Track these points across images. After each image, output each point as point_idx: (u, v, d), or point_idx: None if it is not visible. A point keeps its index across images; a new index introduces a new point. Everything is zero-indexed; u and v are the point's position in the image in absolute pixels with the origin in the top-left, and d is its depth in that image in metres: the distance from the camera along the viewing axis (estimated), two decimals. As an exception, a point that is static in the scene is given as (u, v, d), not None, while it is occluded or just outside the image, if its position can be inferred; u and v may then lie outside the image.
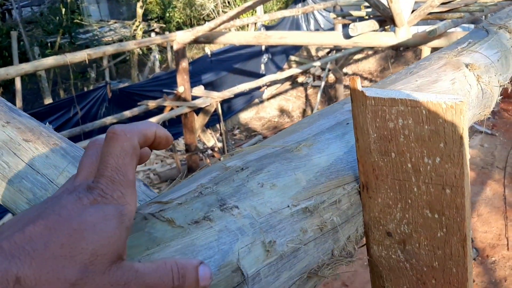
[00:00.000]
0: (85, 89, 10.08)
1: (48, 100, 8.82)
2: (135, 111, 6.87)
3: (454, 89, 0.89)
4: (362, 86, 0.53)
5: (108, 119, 6.49)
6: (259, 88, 9.94)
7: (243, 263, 0.43)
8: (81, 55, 5.41)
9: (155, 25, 13.07)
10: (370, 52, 11.02)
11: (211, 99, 6.83)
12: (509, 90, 1.19)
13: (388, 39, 5.00)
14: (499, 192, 6.40)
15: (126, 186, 0.36)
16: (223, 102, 7.98)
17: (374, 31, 5.11)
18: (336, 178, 0.58)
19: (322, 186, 0.55)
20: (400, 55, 11.05)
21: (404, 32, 4.80)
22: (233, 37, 6.17)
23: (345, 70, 10.70)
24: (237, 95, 8.63)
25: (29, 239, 0.30)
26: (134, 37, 11.46)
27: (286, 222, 0.49)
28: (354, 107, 0.54)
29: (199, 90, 7.08)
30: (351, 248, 0.56)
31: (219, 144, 7.85)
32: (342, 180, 0.58)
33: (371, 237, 0.60)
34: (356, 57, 11.10)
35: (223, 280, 0.41)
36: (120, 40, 10.96)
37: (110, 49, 6.03)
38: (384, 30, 5.51)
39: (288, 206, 0.51)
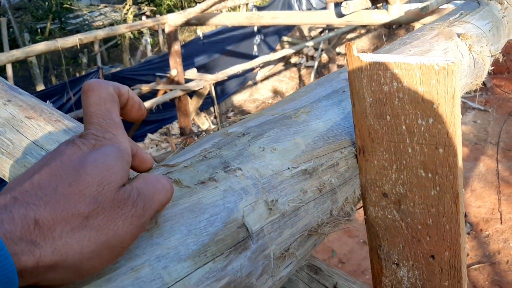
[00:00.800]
0: (77, 74, 10.01)
1: (40, 87, 8.76)
2: (128, 95, 6.83)
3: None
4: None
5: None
6: (252, 69, 9.91)
7: (247, 220, 0.46)
8: (72, 40, 5.37)
9: (145, 8, 12.93)
10: (363, 31, 10.98)
11: (205, 82, 6.81)
12: (500, 60, 1.21)
13: (380, 16, 4.99)
14: (492, 168, 6.46)
15: (114, 128, 0.38)
16: (217, 84, 7.96)
17: (366, 9, 5.09)
18: (334, 143, 0.60)
19: (320, 150, 0.58)
20: (393, 33, 11.02)
21: (396, 9, 4.79)
22: (225, 18, 6.13)
23: (338, 49, 10.67)
24: (230, 78, 8.61)
25: (39, 186, 0.33)
26: (125, 21, 11.35)
27: (286, 183, 0.52)
28: (350, 72, 0.56)
29: (192, 73, 7.06)
30: (349, 209, 0.59)
31: (214, 127, 7.84)
32: (340, 145, 0.60)
33: (367, 198, 0.62)
34: (349, 36, 11.07)
35: (229, 235, 0.44)
36: (111, 24, 10.84)
37: (101, 33, 5.98)
38: (377, 8, 5.49)
39: (289, 168, 0.53)
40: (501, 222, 5.37)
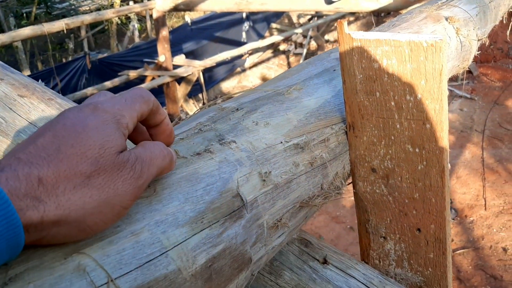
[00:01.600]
0: (64, 60, 9.89)
1: (26, 72, 8.64)
2: (115, 81, 6.79)
3: (434, 41, 0.92)
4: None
5: (89, 90, 6.41)
6: (241, 56, 9.88)
7: (242, 190, 0.47)
8: (59, 25, 5.30)
9: (133, -6, 12.76)
10: (351, 18, 10.97)
11: (193, 68, 6.78)
12: (486, 44, 1.23)
13: (369, 4, 5.00)
14: (478, 155, 6.55)
15: (125, 107, 0.40)
16: (205, 71, 7.93)
17: (355, -4, 5.10)
18: (325, 119, 0.62)
19: (311, 126, 0.59)
20: (381, 20, 11.04)
21: (385, -3, 4.80)
22: (213, 4, 6.09)
23: (326, 37, 10.67)
24: (219, 64, 8.57)
25: (42, 147, 0.34)
26: (112, 6, 11.19)
27: (279, 156, 0.53)
28: (341, 49, 0.58)
29: (180, 59, 7.02)
30: (339, 183, 0.61)
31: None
32: (330, 121, 0.62)
33: (357, 174, 0.64)
34: (338, 24, 11.04)
35: (225, 204, 0.45)
36: (98, 9, 10.70)
37: (88, 18, 5.91)
38: (366, -5, 5.49)
39: (281, 142, 0.54)
40: (485, 208, 5.47)
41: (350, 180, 0.67)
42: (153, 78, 6.78)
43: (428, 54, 0.52)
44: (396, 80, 0.55)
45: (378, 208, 0.64)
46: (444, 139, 0.56)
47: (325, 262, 0.64)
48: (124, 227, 0.38)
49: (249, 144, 0.51)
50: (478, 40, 1.18)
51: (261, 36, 10.50)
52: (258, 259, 0.50)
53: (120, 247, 0.37)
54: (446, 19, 1.01)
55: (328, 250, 0.66)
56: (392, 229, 0.64)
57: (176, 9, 6.25)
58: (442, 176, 0.58)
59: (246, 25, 10.21)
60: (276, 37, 9.43)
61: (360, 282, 0.61)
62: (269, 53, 10.99)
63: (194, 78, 6.95)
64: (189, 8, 6.14)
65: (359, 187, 0.65)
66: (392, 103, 0.57)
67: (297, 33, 10.20)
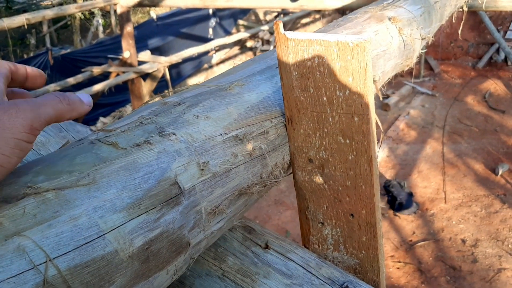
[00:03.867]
0: (25, 56, 9.65)
1: (-15, 68, 8.37)
2: (79, 77, 6.69)
3: (376, 40, 0.98)
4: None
5: (51, 87, 6.29)
6: (207, 53, 9.86)
7: (180, 178, 0.51)
8: (19, 20, 5.18)
9: (97, -12, 12.53)
10: (317, 16, 11.12)
11: (159, 64, 6.74)
12: (429, 43, 1.30)
13: (333, 2, 5.08)
14: (438, 150, 6.76)
15: None
16: (171, 67, 7.88)
17: (319, -7, 5.18)
18: (265, 113, 0.66)
19: (251, 119, 0.63)
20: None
21: (348, -5, 4.90)
22: (179, 0, 6.07)
23: (293, 34, 10.75)
24: (185, 60, 8.54)
25: None
26: (75, 0, 10.99)
27: (218, 147, 0.57)
28: (278, 48, 0.62)
29: (145, 55, 6.96)
30: (278, 173, 0.65)
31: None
32: (270, 115, 0.66)
33: (295, 164, 0.69)
34: (304, 21, 11.18)
35: (162, 192, 0.49)
36: (60, 4, 10.47)
37: (50, 13, 5.79)
38: (329, -7, 5.57)
39: (221, 134, 0.58)
40: (445, 202, 5.66)
41: (291, 170, 0.72)
42: (118, 75, 6.71)
43: (354, 53, 0.57)
44: (327, 77, 0.60)
45: (315, 195, 0.69)
46: (371, 131, 0.61)
47: (266, 247, 0.68)
48: (63, 212, 0.41)
49: (188, 136, 0.55)
50: (422, 39, 1.25)
51: (228, 33, 10.51)
52: (197, 243, 0.54)
53: (58, 230, 0.40)
54: (389, 19, 1.07)
55: (271, 236, 0.70)
56: (329, 215, 0.69)
57: (140, 4, 6.20)
58: (370, 165, 0.63)
59: (212, 22, 10.20)
60: (243, 34, 9.46)
61: (298, 264, 0.66)
62: (236, 49, 11.01)
63: (160, 75, 6.91)
64: (154, 3, 6.10)
65: (298, 177, 0.69)
66: (324, 98, 0.62)
67: (263, 30, 10.26)
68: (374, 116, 0.61)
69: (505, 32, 9.22)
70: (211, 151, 0.56)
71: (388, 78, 1.09)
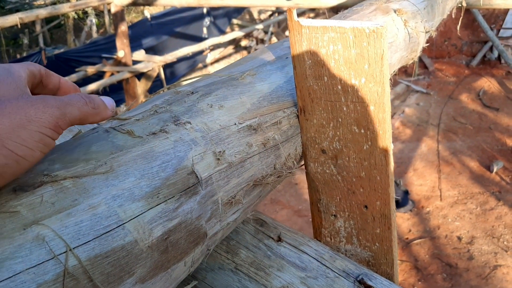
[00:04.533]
0: (18, 56, 9.58)
1: (-22, 68, 8.30)
2: (73, 77, 6.64)
3: (383, 32, 0.97)
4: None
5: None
6: (202, 52, 9.84)
7: (197, 168, 0.50)
8: (13, 19, 5.14)
9: (90, -12, 12.46)
10: (311, 15, 11.12)
11: (153, 64, 6.71)
12: (433, 36, 1.30)
13: (328, 0, 5.08)
14: (433, 148, 6.78)
15: (19, 66, 0.45)
16: (166, 67, 7.85)
17: (314, -8, 5.18)
18: (277, 103, 0.65)
19: (264, 109, 0.62)
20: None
21: (343, -7, 4.89)
22: (173, -1, 6.04)
23: (287, 33, 10.77)
24: (180, 60, 8.51)
25: None
26: (68, 0, 10.92)
27: (233, 137, 0.56)
28: (291, 36, 0.61)
29: (140, 54, 6.93)
30: (291, 164, 0.64)
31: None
32: (282, 105, 0.65)
33: (308, 155, 0.68)
34: (298, 20, 11.16)
35: (180, 181, 0.47)
36: (54, 4, 10.41)
37: (43, 12, 5.75)
38: (324, -9, 5.57)
39: (235, 124, 0.57)
40: (440, 199, 5.67)
41: (302, 162, 0.71)
42: (112, 74, 6.67)
43: (371, 40, 0.56)
44: (342, 65, 0.59)
45: (328, 187, 0.68)
46: (387, 120, 0.60)
47: (279, 240, 0.67)
48: (81, 200, 0.40)
49: (203, 125, 0.53)
50: (426, 32, 1.24)
51: (222, 32, 10.49)
52: (213, 234, 0.53)
53: (78, 219, 0.39)
54: (395, 11, 1.06)
55: (283, 229, 0.69)
56: (342, 207, 0.68)
57: (135, 3, 6.16)
58: (385, 155, 0.62)
59: (207, 21, 10.18)
60: (237, 33, 9.45)
61: (311, 257, 0.65)
62: (230, 49, 10.99)
63: (155, 74, 6.88)
64: (148, 2, 6.07)
65: (311, 168, 0.68)
66: (339, 87, 0.61)
67: (258, 29, 10.24)
68: (389, 105, 0.60)
69: (498, 30, 9.27)
70: (226, 140, 0.55)
71: (394, 71, 1.08)
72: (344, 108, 0.62)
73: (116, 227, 0.41)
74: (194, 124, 0.53)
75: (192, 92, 0.58)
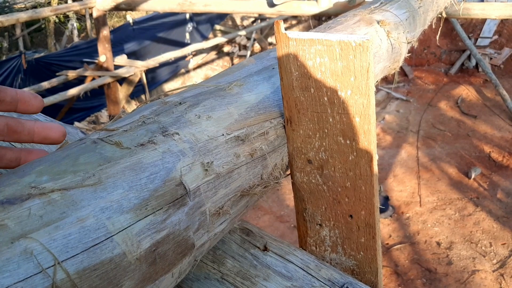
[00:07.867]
0: (-3, 59, 9.42)
1: (-45, 72, 8.15)
2: (53, 81, 6.57)
3: (366, 43, 0.99)
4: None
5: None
6: (184, 57, 9.82)
7: (185, 179, 0.50)
8: (-8, 22, 5.06)
9: (71, -9, 12.35)
10: (294, 22, 11.20)
11: (135, 68, 6.67)
12: (415, 47, 1.32)
13: (310, 8, 5.13)
14: (413, 154, 6.86)
15: None
16: (148, 72, 7.82)
17: (297, 0, 5.23)
18: (264, 114, 0.65)
19: (252, 120, 0.63)
20: (322, 24, 11.32)
21: (325, 1, 4.95)
22: (156, 4, 6.02)
23: (270, 39, 10.82)
24: (162, 65, 8.48)
25: None
26: (49, 3, 10.79)
27: (221, 148, 0.56)
28: (278, 48, 0.62)
29: (122, 59, 6.89)
30: (278, 174, 0.65)
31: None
32: (269, 115, 0.66)
33: (294, 165, 0.68)
34: (280, 26, 11.22)
35: (168, 192, 0.47)
36: (34, 7, 10.28)
37: (23, 16, 5.68)
38: (307, -1, 5.63)
39: (223, 135, 0.57)
40: (420, 205, 5.74)
41: (289, 172, 0.71)
42: (93, 79, 6.61)
43: (357, 53, 0.57)
44: (328, 77, 0.60)
45: (314, 197, 0.69)
46: (372, 131, 0.61)
47: (265, 249, 0.67)
48: (70, 213, 0.40)
49: (191, 136, 0.54)
50: (408, 42, 1.26)
51: (205, 38, 10.49)
52: (201, 245, 0.53)
53: (66, 232, 0.38)
54: (378, 22, 1.08)
55: (269, 238, 0.69)
56: (327, 216, 0.69)
57: (117, 8, 6.13)
58: (370, 165, 0.63)
59: (189, 26, 10.17)
60: (220, 39, 9.46)
61: (297, 266, 0.65)
62: (213, 54, 10.99)
63: (137, 79, 6.84)
64: (131, 7, 6.04)
65: (297, 178, 0.69)
66: (325, 99, 0.61)
67: (241, 35, 10.27)
68: (374, 116, 0.61)
69: (476, 40, 9.47)
70: (214, 151, 0.55)
71: (377, 81, 1.10)
72: (330, 120, 0.62)
73: (105, 240, 0.40)
74: (182, 135, 0.53)
75: (180, 103, 0.58)
